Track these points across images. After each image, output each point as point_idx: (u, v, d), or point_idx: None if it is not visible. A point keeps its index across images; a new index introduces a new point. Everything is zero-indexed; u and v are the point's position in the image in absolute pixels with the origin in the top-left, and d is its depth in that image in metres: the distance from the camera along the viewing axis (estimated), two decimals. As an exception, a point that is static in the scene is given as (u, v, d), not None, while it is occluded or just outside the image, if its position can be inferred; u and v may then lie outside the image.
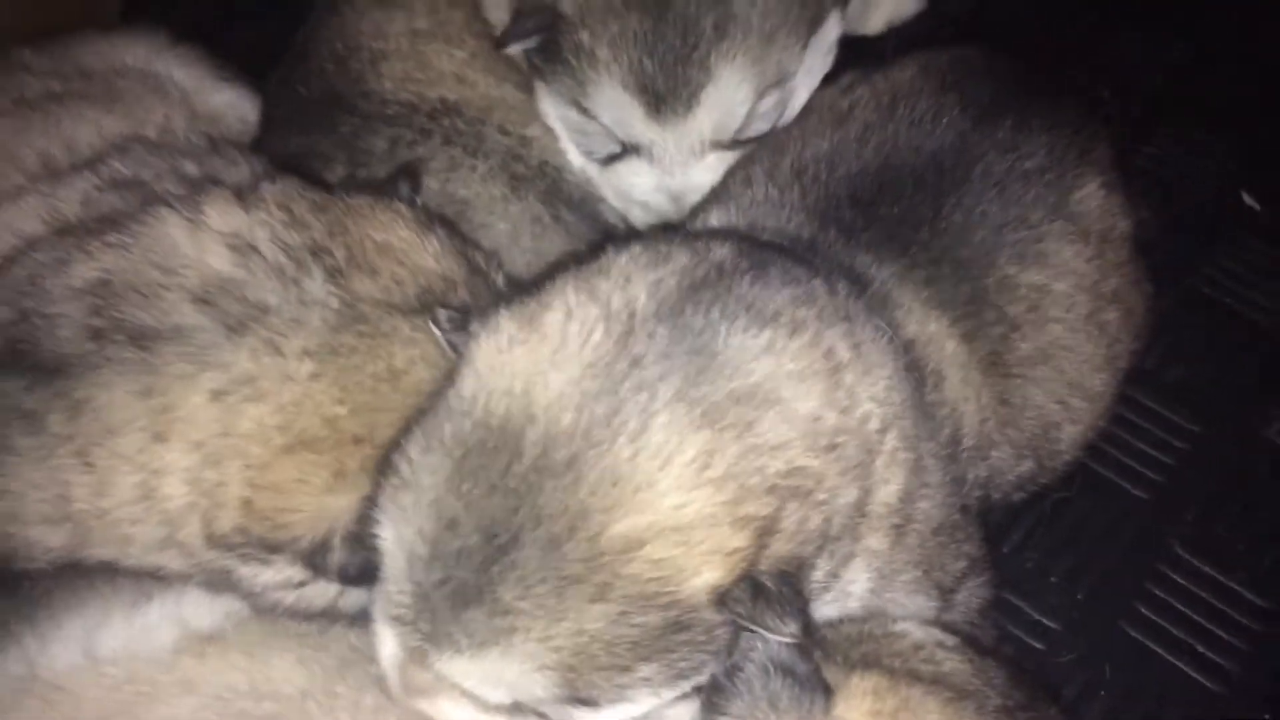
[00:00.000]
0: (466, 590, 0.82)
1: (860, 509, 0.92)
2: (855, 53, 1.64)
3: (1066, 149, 1.22)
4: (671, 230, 1.28)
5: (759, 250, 0.98)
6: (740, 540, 0.81)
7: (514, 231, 1.36)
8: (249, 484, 0.93)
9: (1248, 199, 1.76)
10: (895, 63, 1.32)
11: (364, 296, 0.97)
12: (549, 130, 1.40)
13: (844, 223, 1.13)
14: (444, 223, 1.09)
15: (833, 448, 0.87)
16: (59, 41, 1.36)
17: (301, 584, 0.99)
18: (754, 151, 1.32)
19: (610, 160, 1.37)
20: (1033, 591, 1.40)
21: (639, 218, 1.42)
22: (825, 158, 1.20)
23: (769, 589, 0.82)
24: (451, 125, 1.36)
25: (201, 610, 1.01)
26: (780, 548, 0.84)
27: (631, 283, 0.89)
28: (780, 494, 0.83)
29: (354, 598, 1.02)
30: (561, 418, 0.82)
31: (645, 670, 0.84)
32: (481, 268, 1.07)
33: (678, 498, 0.81)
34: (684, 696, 0.90)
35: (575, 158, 1.41)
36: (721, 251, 0.94)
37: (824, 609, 0.97)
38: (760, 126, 1.33)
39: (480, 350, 0.87)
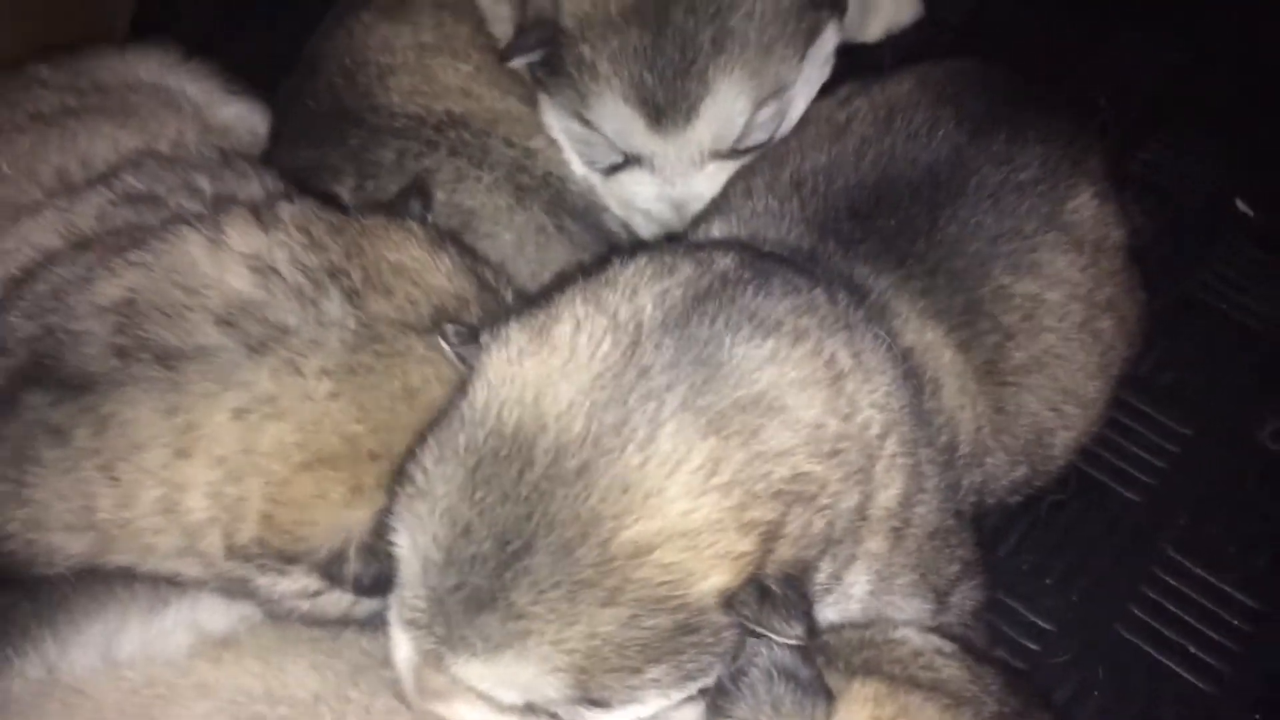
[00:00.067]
0: (481, 595, 0.84)
1: (861, 513, 0.93)
2: (854, 60, 1.66)
3: (1060, 160, 1.23)
4: (675, 241, 1.30)
5: (761, 260, 1.00)
6: (747, 545, 0.83)
7: (519, 241, 1.38)
8: (269, 499, 0.95)
9: (1241, 205, 1.77)
10: (892, 74, 1.34)
11: (380, 317, 0.99)
12: (553, 142, 1.42)
13: (842, 234, 1.15)
14: (454, 240, 1.12)
15: (835, 453, 0.89)
16: (74, 56, 1.38)
17: (317, 593, 1.01)
18: (754, 164, 1.33)
19: (613, 170, 1.39)
20: (1028, 593, 1.41)
21: (642, 226, 1.45)
22: (823, 170, 1.22)
23: (775, 592, 0.84)
24: (458, 137, 1.38)
25: (216, 615, 1.02)
26: (785, 552, 0.86)
27: (638, 294, 0.91)
28: (785, 499, 0.85)
29: (367, 606, 1.04)
30: (572, 426, 0.84)
31: (655, 671, 0.86)
32: (491, 284, 1.10)
33: (686, 504, 0.83)
34: (690, 699, 0.92)
35: (578, 168, 1.43)
36: (724, 262, 0.95)
37: (825, 611, 0.99)
38: (759, 136, 1.35)
39: (491, 362, 0.89)
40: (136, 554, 0.99)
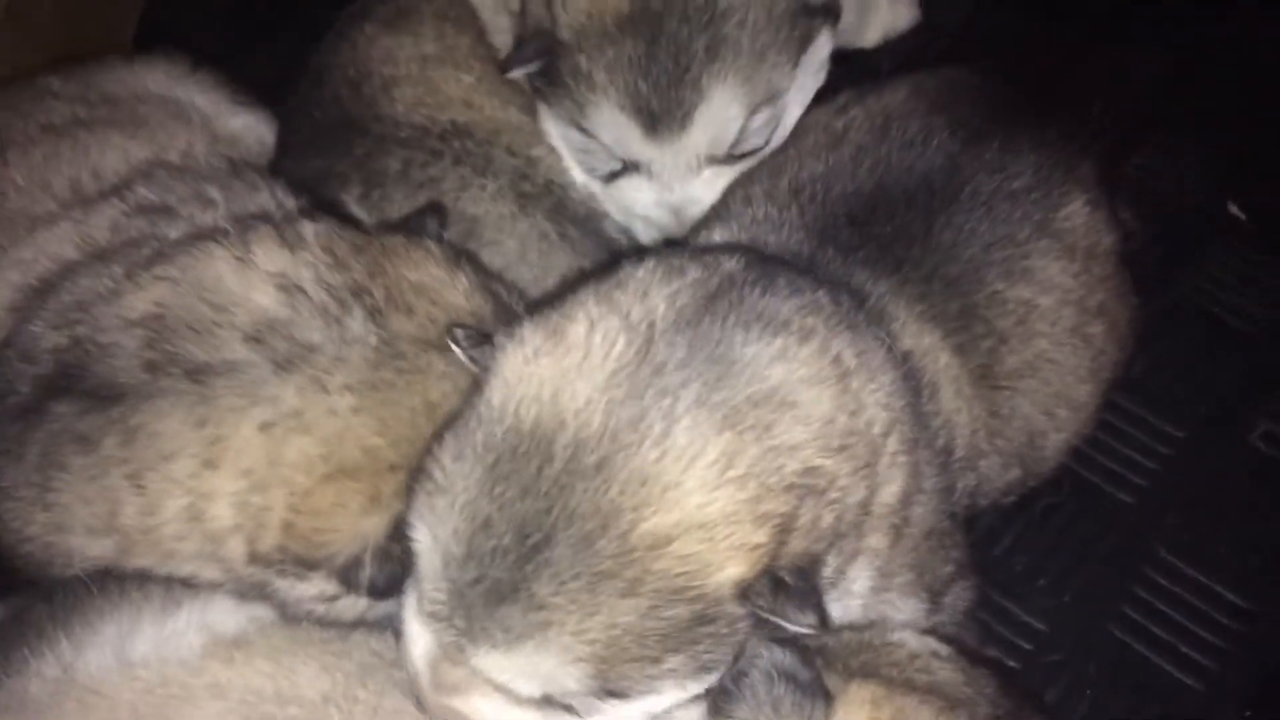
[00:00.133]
0: (502, 587, 0.86)
1: (865, 508, 0.96)
2: (852, 66, 1.69)
3: (1052, 168, 1.25)
4: (679, 245, 1.32)
5: (765, 263, 1.02)
6: (761, 536, 0.86)
7: (521, 248, 1.40)
8: (291, 508, 0.98)
9: (1234, 208, 1.78)
10: (888, 83, 1.36)
11: (401, 334, 1.02)
12: (554, 151, 1.44)
13: (841, 240, 1.17)
14: (469, 258, 1.14)
15: (844, 448, 0.91)
16: (83, 68, 1.40)
17: (334, 598, 1.04)
18: (753, 172, 1.35)
19: (612, 177, 1.41)
20: (1022, 593, 1.43)
21: (642, 232, 1.47)
22: (821, 178, 1.24)
23: (788, 583, 0.86)
24: (462, 147, 1.40)
25: (227, 616, 1.04)
26: (797, 544, 0.88)
27: (649, 295, 0.93)
28: (797, 492, 0.88)
29: (381, 609, 1.06)
30: (590, 422, 0.86)
31: (673, 661, 0.88)
32: (505, 300, 1.12)
33: (703, 496, 0.85)
34: (694, 699, 0.94)
35: (578, 175, 1.45)
36: (731, 264, 0.98)
37: (829, 608, 0.99)
38: (755, 142, 1.37)
39: (507, 361, 0.92)
40: (157, 558, 1.01)
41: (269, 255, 1.03)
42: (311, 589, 1.03)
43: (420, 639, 0.96)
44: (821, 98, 1.41)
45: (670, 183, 1.37)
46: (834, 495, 0.91)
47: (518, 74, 1.36)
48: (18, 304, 1.13)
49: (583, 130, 1.36)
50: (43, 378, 1.04)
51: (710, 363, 0.88)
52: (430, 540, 0.90)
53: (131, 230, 1.12)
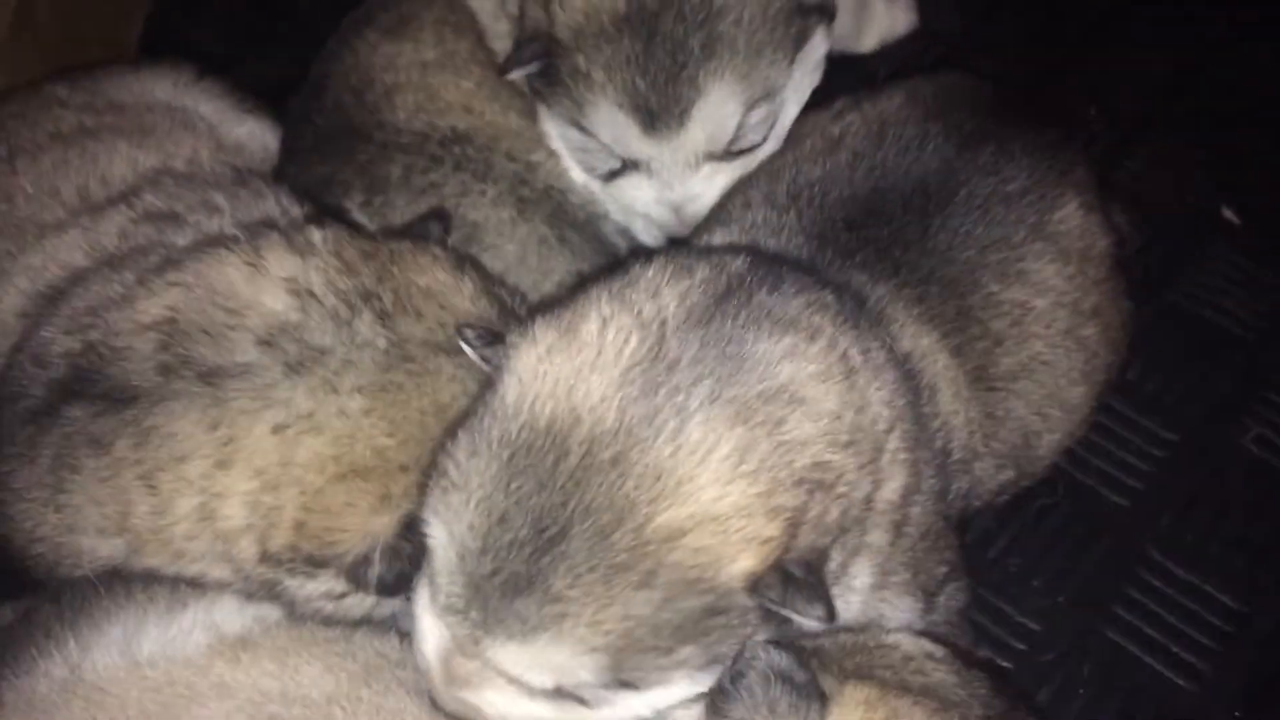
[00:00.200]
0: (518, 580, 0.87)
1: (868, 504, 0.97)
2: (849, 72, 1.70)
3: (1046, 172, 1.26)
4: (685, 245, 1.33)
5: (770, 263, 1.03)
6: (773, 530, 0.87)
7: (521, 252, 1.42)
8: (303, 507, 0.99)
9: (1227, 213, 1.79)
10: (884, 89, 1.37)
11: (411, 338, 1.04)
12: (553, 156, 1.46)
13: (839, 244, 1.18)
14: (473, 263, 1.16)
15: (851, 444, 0.93)
16: (90, 76, 1.41)
17: (342, 595, 1.05)
18: (752, 177, 1.37)
19: (612, 176, 1.42)
20: (1016, 594, 1.44)
21: (642, 230, 1.48)
22: (818, 182, 1.25)
23: (797, 576, 0.88)
24: (462, 152, 1.42)
25: (232, 616, 1.05)
26: (805, 538, 0.90)
27: (660, 294, 0.95)
28: (807, 487, 0.89)
29: (388, 607, 1.08)
30: (605, 418, 0.88)
31: (684, 652, 0.89)
32: (508, 303, 1.14)
33: (716, 490, 0.86)
34: (692, 700, 0.96)
35: (578, 175, 1.46)
36: (737, 264, 0.99)
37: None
38: (753, 138, 1.38)
39: (521, 359, 0.93)
40: (167, 558, 1.03)
41: (279, 260, 1.05)
42: (320, 587, 1.04)
43: (433, 634, 0.98)
44: (819, 103, 1.42)
45: (670, 180, 1.38)
46: (841, 490, 0.92)
47: (517, 75, 1.37)
48: (27, 310, 1.14)
49: (582, 129, 1.37)
50: (55, 381, 1.05)
51: (722, 359, 0.90)
52: (446, 535, 0.91)
53: (139, 237, 1.14)
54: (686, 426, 0.87)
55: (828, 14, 1.41)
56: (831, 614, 0.88)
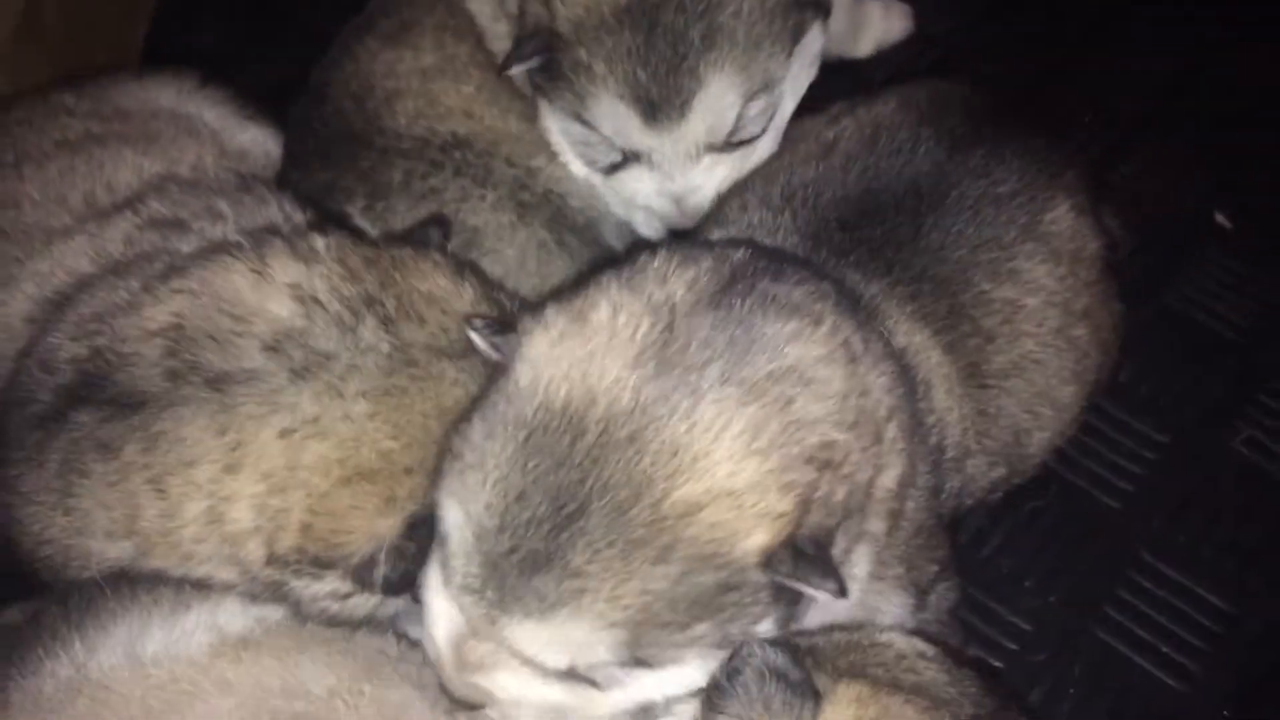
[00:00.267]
0: (537, 557, 0.88)
1: (869, 489, 0.99)
2: (845, 77, 1.72)
3: (1037, 174, 1.28)
4: (687, 238, 1.35)
5: (771, 254, 1.06)
6: (785, 505, 0.89)
7: (521, 256, 1.44)
8: (309, 510, 1.01)
9: (1220, 217, 1.81)
10: (878, 94, 1.39)
11: (413, 342, 1.05)
12: (552, 160, 1.48)
13: (834, 243, 1.20)
14: (473, 268, 1.17)
15: (856, 425, 0.95)
16: (95, 84, 1.43)
17: (348, 596, 1.07)
18: (748, 180, 1.38)
19: (613, 169, 1.44)
20: (1008, 594, 1.45)
21: (643, 223, 1.50)
22: (813, 184, 1.27)
23: (808, 552, 0.90)
24: (462, 158, 1.43)
25: (235, 617, 1.06)
26: (815, 517, 0.92)
27: (669, 280, 0.97)
28: (816, 465, 0.91)
29: (392, 606, 1.10)
30: (621, 398, 0.89)
31: (699, 629, 0.91)
32: (508, 308, 1.15)
33: (731, 466, 0.88)
34: (688, 696, 0.97)
35: (579, 170, 1.48)
36: (740, 254, 1.01)
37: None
38: (752, 130, 1.40)
39: (534, 345, 0.95)
40: (175, 560, 1.04)
41: (284, 267, 1.06)
42: (326, 588, 1.06)
43: (445, 617, 0.99)
44: (814, 109, 1.44)
45: (671, 171, 1.40)
46: (847, 470, 0.94)
47: (518, 70, 1.39)
48: (34, 316, 1.16)
49: (583, 123, 1.39)
50: (62, 387, 1.06)
51: (731, 342, 0.92)
52: (462, 516, 0.92)
53: (144, 244, 1.15)
54: (700, 405, 0.89)
55: (823, 10, 1.44)
56: (843, 589, 0.90)
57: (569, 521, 0.88)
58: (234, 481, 1.00)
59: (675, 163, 1.39)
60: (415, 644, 1.10)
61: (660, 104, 1.32)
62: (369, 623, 1.10)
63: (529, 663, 0.95)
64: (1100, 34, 2.01)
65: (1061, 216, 1.28)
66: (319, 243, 1.09)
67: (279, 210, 1.23)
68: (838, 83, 1.55)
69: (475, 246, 1.41)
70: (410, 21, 1.51)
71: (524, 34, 1.36)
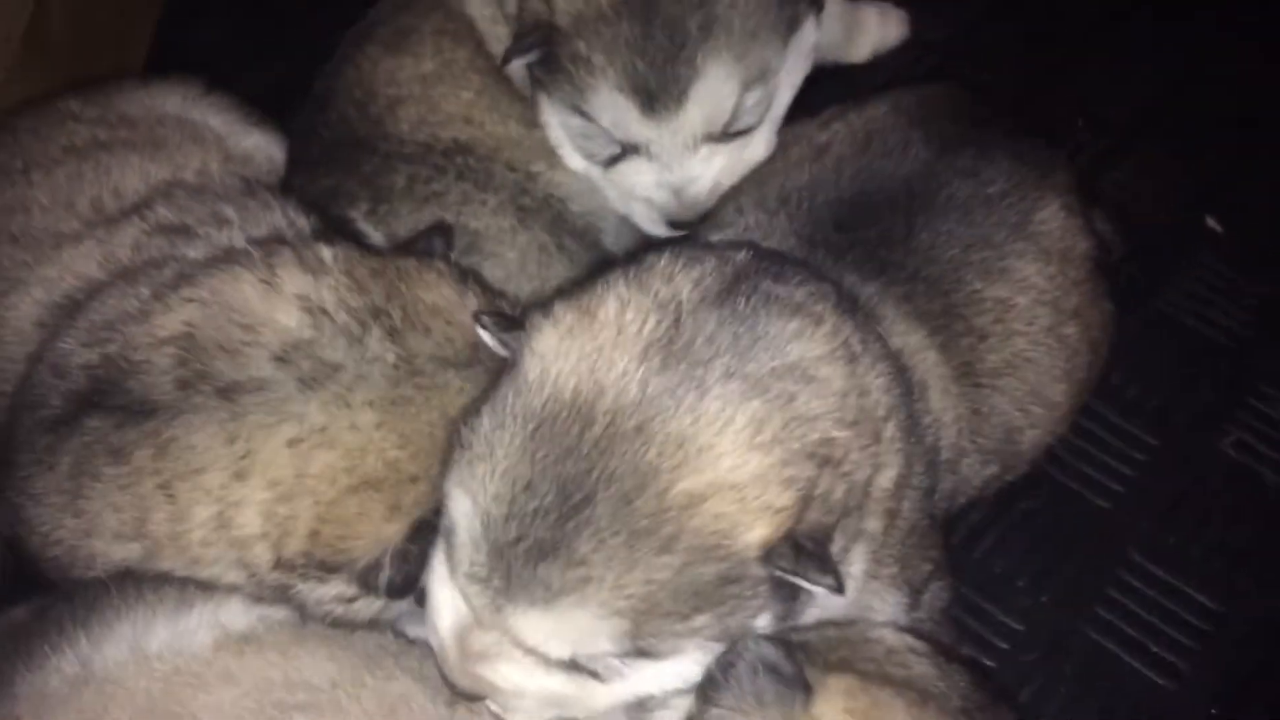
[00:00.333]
0: (543, 545, 0.90)
1: (867, 488, 1.00)
2: (842, 82, 1.74)
3: (1027, 175, 1.30)
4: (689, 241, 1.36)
5: (772, 256, 1.08)
6: (786, 499, 0.90)
7: (521, 259, 1.45)
8: (317, 517, 1.02)
9: (1211, 222, 1.82)
10: (870, 99, 1.41)
11: (419, 353, 1.07)
12: (552, 166, 1.50)
13: (829, 244, 1.22)
14: (475, 278, 1.19)
15: (855, 423, 0.97)
16: (102, 91, 1.44)
17: (352, 599, 1.08)
18: (742, 184, 1.41)
19: (612, 162, 1.45)
20: (1000, 594, 1.47)
21: (643, 216, 1.51)
22: (806, 186, 1.30)
23: (807, 547, 0.91)
24: (464, 163, 1.45)
25: (237, 615, 1.08)
26: (814, 514, 0.93)
27: (675, 279, 0.98)
28: (817, 461, 0.93)
29: (395, 609, 1.12)
30: (628, 390, 0.91)
31: (700, 620, 0.92)
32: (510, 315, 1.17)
33: (735, 459, 0.89)
34: (684, 691, 0.99)
35: (578, 164, 1.49)
36: (742, 256, 1.03)
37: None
38: (748, 120, 1.42)
39: (543, 339, 0.96)
40: (183, 563, 1.06)
41: (293, 278, 1.07)
42: (331, 591, 1.07)
43: (449, 607, 1.00)
44: (811, 113, 1.46)
45: (669, 162, 1.41)
46: (846, 468, 0.96)
47: (518, 63, 1.40)
48: (44, 320, 1.17)
49: (583, 115, 1.41)
50: (74, 393, 1.08)
51: (735, 338, 0.94)
52: (470, 505, 0.94)
53: (152, 249, 1.17)
54: (705, 399, 0.91)
55: (817, 4, 1.46)
56: (840, 584, 0.91)
57: (575, 511, 0.89)
58: (243, 488, 1.02)
59: (673, 153, 1.40)
60: (415, 642, 1.12)
61: (658, 94, 1.34)
62: (372, 625, 1.12)
63: (532, 652, 0.96)
64: (1092, 42, 2.03)
65: (1051, 216, 1.30)
66: (326, 254, 1.11)
67: (283, 216, 1.25)
68: (834, 88, 1.57)
69: (476, 250, 1.43)
70: (409, 28, 1.53)
71: (523, 28, 1.38)
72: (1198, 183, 1.86)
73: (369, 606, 1.10)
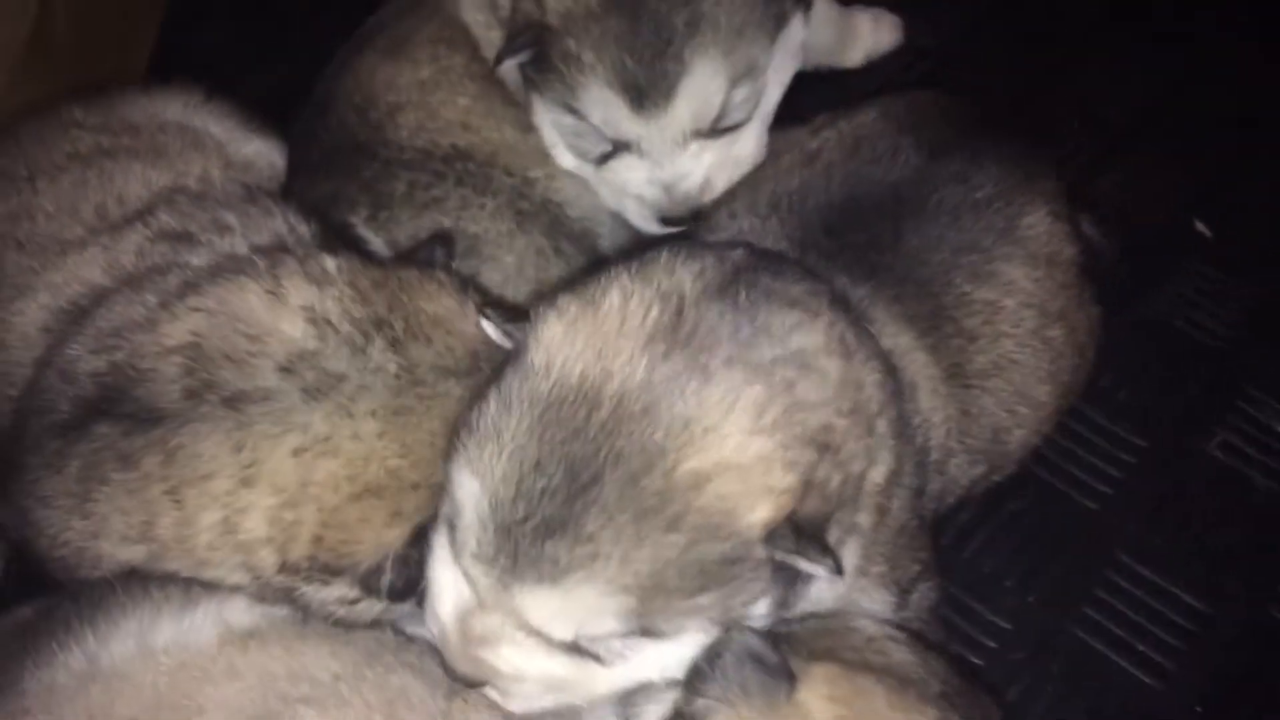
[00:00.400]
0: (551, 524, 0.91)
1: (860, 482, 1.02)
2: (835, 88, 1.76)
3: (1015, 180, 1.33)
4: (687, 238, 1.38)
5: (768, 254, 1.11)
6: (788, 481, 0.93)
7: (519, 263, 1.47)
8: (320, 523, 1.04)
9: (1200, 225, 1.84)
10: (859, 106, 1.43)
11: (420, 362, 1.08)
12: (549, 170, 1.51)
13: (821, 247, 1.25)
14: (474, 286, 1.21)
15: (853, 413, 0.99)
16: (105, 98, 1.45)
17: (355, 601, 1.10)
18: (734, 189, 1.44)
19: (604, 159, 1.47)
20: (988, 594, 1.48)
21: (635, 213, 1.52)
22: (797, 191, 1.32)
23: (806, 530, 0.93)
24: (463, 168, 1.47)
25: (241, 613, 1.10)
26: (813, 502, 0.95)
27: (676, 272, 1.00)
28: (816, 447, 0.95)
29: (396, 611, 1.13)
30: (635, 374, 0.93)
31: (703, 599, 0.94)
32: None
33: (739, 439, 0.92)
34: (674, 684, 1.00)
35: (570, 163, 1.51)
36: (739, 253, 1.06)
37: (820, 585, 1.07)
38: (737, 116, 1.44)
39: (548, 328, 0.98)
40: (189, 565, 1.07)
41: (298, 289, 1.09)
42: (334, 593, 1.09)
43: (452, 590, 1.02)
44: (803, 120, 1.48)
45: (660, 158, 1.43)
46: (843, 457, 0.98)
47: (510, 63, 1.42)
48: (50, 325, 1.18)
49: (574, 113, 1.43)
50: (82, 399, 1.09)
51: (736, 329, 0.96)
52: (477, 486, 0.95)
53: (155, 256, 1.18)
54: (709, 384, 0.93)
55: (804, 2, 1.48)
56: (839, 566, 0.93)
57: (583, 490, 0.91)
58: (249, 494, 1.03)
59: (663, 149, 1.42)
60: (415, 640, 1.14)
61: (647, 90, 1.36)
62: (374, 626, 1.13)
63: (536, 633, 0.97)
64: (1085, 47, 2.04)
65: (1038, 221, 1.32)
66: (330, 264, 1.12)
67: (284, 222, 1.27)
68: (827, 93, 1.59)
69: (475, 254, 1.44)
70: (407, 34, 1.55)
71: (515, 29, 1.40)
72: (1196, 184, 1.87)
73: (371, 608, 1.12)
